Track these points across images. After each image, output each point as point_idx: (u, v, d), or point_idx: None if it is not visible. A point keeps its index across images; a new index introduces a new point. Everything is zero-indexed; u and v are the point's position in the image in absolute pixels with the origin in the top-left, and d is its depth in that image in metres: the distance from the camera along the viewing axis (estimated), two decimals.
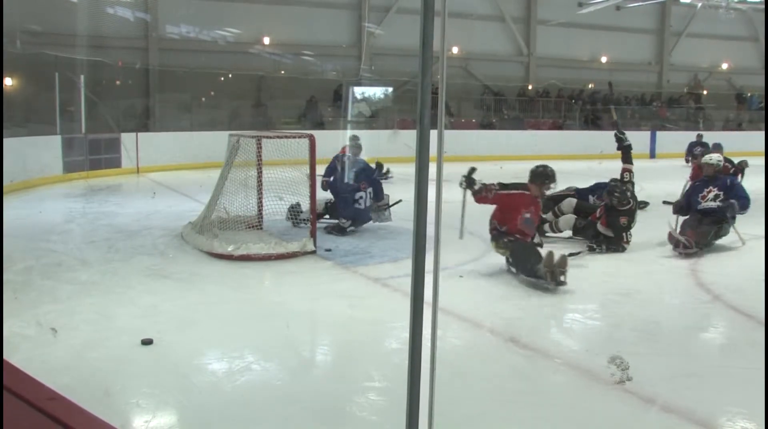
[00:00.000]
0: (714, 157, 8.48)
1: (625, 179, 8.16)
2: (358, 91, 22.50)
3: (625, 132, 9.16)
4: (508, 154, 20.36)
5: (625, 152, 8.55)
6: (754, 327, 5.30)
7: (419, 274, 2.57)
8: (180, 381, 4.07)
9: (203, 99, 20.88)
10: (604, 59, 28.77)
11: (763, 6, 31.94)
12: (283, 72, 22.10)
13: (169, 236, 8.36)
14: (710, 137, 18.07)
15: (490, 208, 7.06)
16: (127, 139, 16.07)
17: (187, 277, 6.49)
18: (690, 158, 16.99)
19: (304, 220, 8.24)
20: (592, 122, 26.21)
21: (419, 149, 2.43)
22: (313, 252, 7.39)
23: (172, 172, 15.84)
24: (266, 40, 21.82)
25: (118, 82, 19.60)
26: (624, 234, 7.78)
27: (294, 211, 8.57)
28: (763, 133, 27.52)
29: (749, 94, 31.63)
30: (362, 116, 21.67)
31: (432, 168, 2.44)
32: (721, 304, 5.90)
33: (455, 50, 25.54)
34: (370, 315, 5.40)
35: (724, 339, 5.27)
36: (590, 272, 6.92)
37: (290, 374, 4.24)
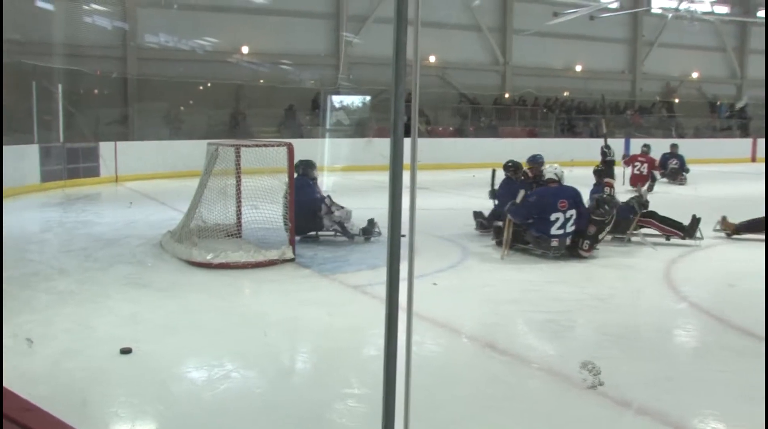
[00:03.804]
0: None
1: (607, 193, 8.30)
2: (336, 100, 22.50)
3: (611, 146, 9.27)
4: (484, 162, 20.45)
5: (608, 167, 8.65)
6: (726, 330, 5.35)
7: (394, 280, 2.57)
8: (159, 390, 4.03)
9: (182, 108, 20.79)
10: (578, 68, 29.06)
11: (730, 19, 32.48)
12: (261, 81, 22.07)
13: (147, 245, 8.30)
14: (683, 145, 18.18)
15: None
16: (105, 148, 15.95)
17: (166, 286, 6.43)
18: (664, 171, 16.86)
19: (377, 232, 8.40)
20: (567, 130, 26.43)
21: (393, 158, 2.43)
22: (292, 260, 7.36)
23: (151, 181, 15.73)
24: (245, 50, 21.78)
25: (96, 92, 19.46)
26: (585, 241, 7.78)
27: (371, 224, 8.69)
28: (731, 140, 28.00)
29: (720, 103, 32.13)
30: (340, 125, 21.68)
31: (407, 176, 2.44)
32: (694, 309, 5.96)
33: (432, 59, 25.65)
34: (348, 322, 5.39)
35: (696, 342, 5.32)
36: (566, 277, 6.97)
37: (270, 382, 4.21)
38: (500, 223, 8.19)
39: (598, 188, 8.94)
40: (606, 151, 8.91)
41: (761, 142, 27.56)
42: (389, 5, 2.83)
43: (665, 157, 17.06)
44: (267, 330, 5.12)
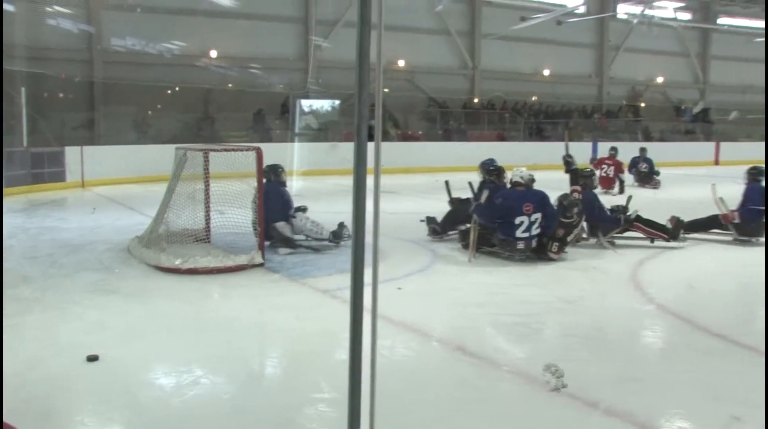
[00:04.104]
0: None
1: (572, 196, 8.40)
2: (306, 104, 22.46)
3: (572, 155, 9.36)
4: (453, 166, 20.55)
5: (573, 175, 8.78)
6: (692, 331, 5.44)
7: (358, 285, 2.58)
8: (126, 397, 3.98)
9: (150, 112, 20.58)
10: (546, 72, 29.37)
11: (692, 25, 33.05)
12: (230, 85, 21.95)
13: (115, 250, 8.20)
14: (650, 148, 18.38)
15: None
16: (71, 152, 15.72)
17: (133, 292, 6.36)
18: (635, 175, 17.06)
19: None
20: (535, 134, 26.66)
21: (356, 163, 2.43)
22: (261, 265, 7.33)
23: (119, 186, 15.55)
24: (213, 54, 21.66)
25: (61, 95, 19.19)
26: (554, 244, 7.84)
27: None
28: (695, 144, 28.46)
29: (684, 107, 32.69)
30: (310, 129, 21.64)
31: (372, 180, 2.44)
32: (660, 310, 6.04)
33: (401, 63, 25.73)
34: (318, 326, 5.37)
35: (663, 343, 5.39)
36: (534, 280, 7.02)
37: (239, 387, 4.19)
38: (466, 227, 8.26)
39: (584, 194, 9.04)
40: (569, 160, 8.99)
41: (724, 145, 28.06)
42: (375, 9, 2.83)
43: (635, 161, 17.25)
44: (231, 337, 5.09)
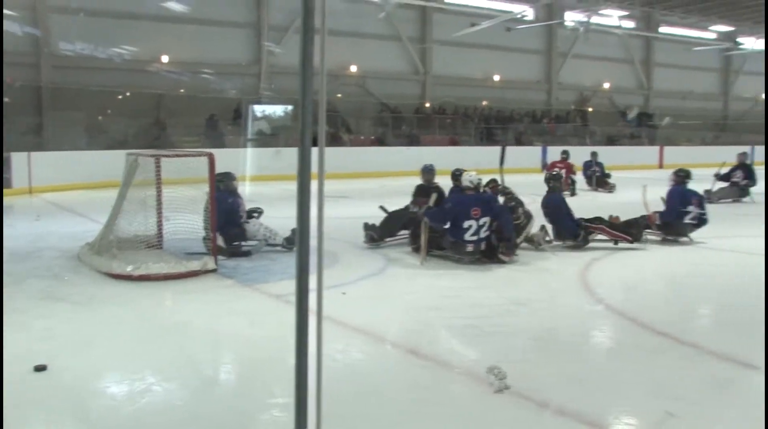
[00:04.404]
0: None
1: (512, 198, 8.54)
2: (259, 110, 22.32)
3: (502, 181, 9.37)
4: (406, 170, 20.62)
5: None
6: (638, 330, 5.55)
7: (303, 290, 2.57)
8: (76, 407, 3.90)
9: (100, 118, 20.20)
10: (496, 78, 29.72)
11: (636, 33, 33.85)
12: (182, 90, 21.69)
13: (64, 258, 8.03)
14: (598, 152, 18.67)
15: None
16: (18, 158, 15.32)
17: (84, 300, 6.24)
18: (588, 179, 17.34)
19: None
20: (486, 138, 26.92)
21: (301, 169, 2.42)
22: (214, 270, 7.25)
23: (68, 192, 15.23)
24: (164, 59, 21.38)
25: (7, 100, 18.69)
26: (505, 246, 7.90)
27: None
28: (640, 148, 29.10)
29: (639, 111, 33.46)
30: (263, 134, 21.50)
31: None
32: (609, 310, 6.16)
33: (353, 69, 25.75)
34: (271, 331, 5.33)
35: (611, 343, 5.48)
36: (485, 283, 7.09)
37: (192, 394, 4.14)
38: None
39: (552, 196, 9.19)
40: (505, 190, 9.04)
41: (668, 149, 28.73)
42: (319, 15, 2.83)
43: (587, 165, 17.57)
44: (189, 341, 5.03)
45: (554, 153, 25.24)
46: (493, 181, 9.13)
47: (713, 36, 36.92)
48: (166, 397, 4.07)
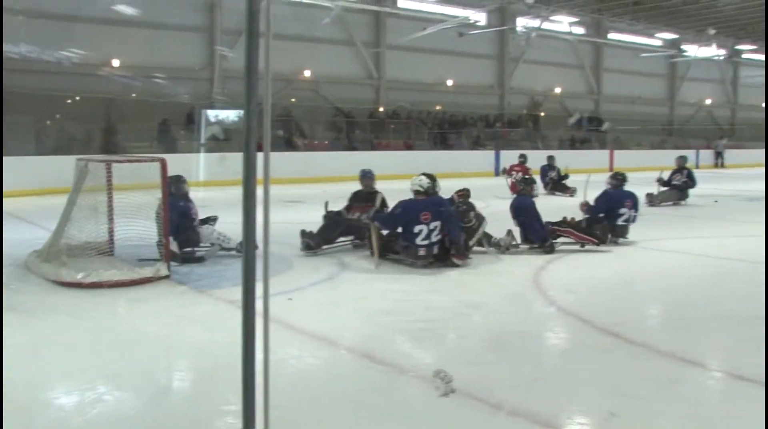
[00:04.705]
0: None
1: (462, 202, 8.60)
2: (212, 114, 22.10)
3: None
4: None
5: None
6: (590, 331, 5.64)
7: (250, 296, 2.57)
8: (23, 419, 3.80)
9: (48, 122, 19.76)
10: (449, 83, 29.94)
11: (586, 39, 34.48)
12: (134, 95, 21.37)
13: (11, 266, 7.81)
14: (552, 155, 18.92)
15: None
16: None
17: (32, 308, 6.08)
18: (545, 183, 17.53)
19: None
20: (440, 143, 27.10)
21: (246, 175, 2.41)
22: (168, 277, 7.15)
23: (16, 198, 14.85)
24: (115, 62, 21.04)
25: None
26: (457, 249, 7.94)
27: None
28: (591, 152, 29.59)
29: (580, 116, 34.03)
30: (216, 139, 21.28)
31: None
32: (561, 312, 6.24)
33: (307, 73, 25.69)
34: (226, 337, 5.27)
35: (565, 344, 5.56)
36: (440, 286, 7.13)
37: (146, 402, 4.07)
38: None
39: (521, 198, 9.30)
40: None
41: (618, 153, 29.30)
42: (263, 20, 2.82)
43: (544, 169, 17.79)
44: (142, 349, 4.96)
45: (507, 157, 25.58)
46: (465, 189, 9.16)
47: (659, 43, 37.83)
48: (118, 407, 4.00)
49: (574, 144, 31.26)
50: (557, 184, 17.33)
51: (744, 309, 6.24)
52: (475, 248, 8.59)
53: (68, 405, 4.01)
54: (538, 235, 8.89)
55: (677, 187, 14.98)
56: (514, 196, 9.82)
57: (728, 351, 5.17)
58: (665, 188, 14.94)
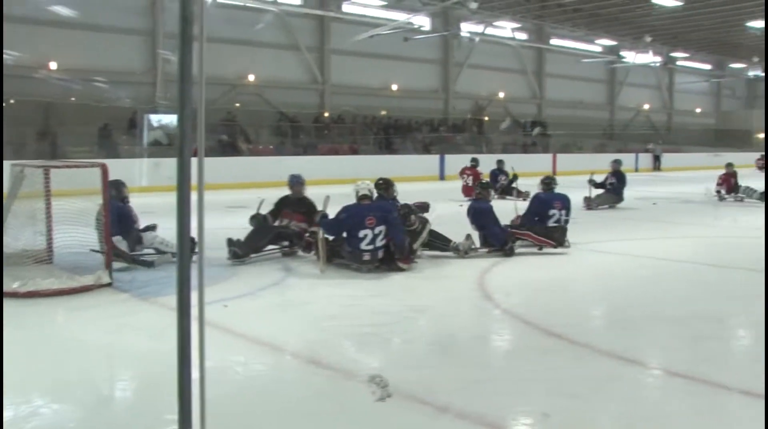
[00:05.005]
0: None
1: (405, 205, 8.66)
2: (155, 119, 21.73)
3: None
4: (306, 180, 20.54)
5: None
6: (534, 333, 5.72)
7: (184, 304, 2.55)
8: None
9: None
10: (394, 87, 30.06)
11: (528, 45, 35.06)
12: (73, 99, 20.87)
13: None
14: (492, 160, 19.12)
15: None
16: None
17: None
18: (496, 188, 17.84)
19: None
20: (385, 147, 27.17)
21: (180, 181, 2.38)
22: (109, 284, 7.00)
23: None
24: (53, 65, 20.52)
25: None
26: (402, 253, 7.96)
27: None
28: (536, 155, 30.05)
29: (511, 121, 34.59)
30: (159, 144, 20.93)
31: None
32: (506, 314, 6.31)
33: (251, 78, 25.49)
34: (170, 345, 5.16)
35: (510, 346, 5.62)
36: (386, 291, 7.14)
37: (86, 414, 3.97)
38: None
39: (479, 202, 9.38)
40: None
41: (561, 156, 29.82)
42: (207, 22, 2.79)
43: (494, 174, 17.94)
44: (83, 359, 4.84)
45: (452, 161, 25.80)
46: (425, 202, 9.17)
47: (599, 49, 38.73)
48: (56, 420, 3.89)
49: (526, 148, 31.74)
50: (508, 187, 17.53)
51: (681, 308, 6.42)
52: (433, 253, 8.69)
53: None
54: (497, 238, 8.99)
55: (612, 190, 15.28)
56: (469, 200, 9.89)
57: (665, 349, 5.31)
58: (601, 191, 15.25)
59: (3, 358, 3.83)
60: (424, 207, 9.08)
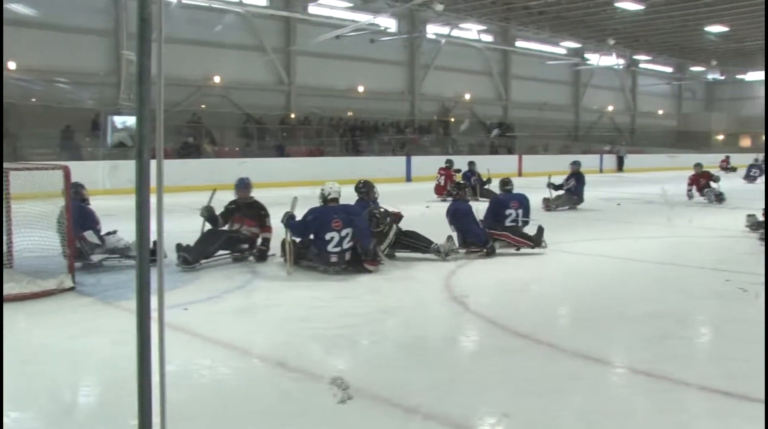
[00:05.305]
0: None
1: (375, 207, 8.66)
2: (119, 121, 21.46)
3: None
4: (271, 182, 20.47)
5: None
6: (500, 333, 5.76)
7: (144, 308, 2.53)
8: None
9: None
10: (361, 89, 30.07)
11: (494, 47, 35.31)
12: (33, 100, 20.52)
13: None
14: (460, 161, 19.22)
15: None
16: None
17: None
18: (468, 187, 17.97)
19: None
20: (352, 149, 27.17)
21: (139, 184, 2.36)
22: (72, 289, 6.90)
23: None
24: (12, 65, 20.16)
25: None
26: (368, 255, 7.97)
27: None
28: (501, 157, 30.27)
29: (489, 123, 34.76)
30: (123, 146, 20.67)
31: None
32: (473, 315, 6.34)
33: (217, 79, 25.31)
34: (134, 350, 5.13)
35: (476, 346, 5.65)
36: (353, 292, 7.15)
37: (48, 422, 3.92)
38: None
39: (457, 202, 9.42)
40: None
41: (526, 157, 30.08)
42: (172, 23, 2.77)
43: (466, 175, 17.99)
44: (45, 366, 4.77)
45: (418, 163, 25.88)
46: (398, 213, 9.17)
47: (564, 51, 39.18)
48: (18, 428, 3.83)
49: (493, 149, 31.95)
50: (481, 189, 17.62)
51: (645, 307, 6.52)
52: (406, 254, 8.74)
53: None
54: (478, 238, 9.05)
55: (572, 192, 15.36)
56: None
57: (628, 348, 5.39)
58: (561, 192, 15.35)
59: (3, 361, 3.76)
60: (398, 216, 9.08)
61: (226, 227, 8.72)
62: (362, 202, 8.93)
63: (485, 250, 8.97)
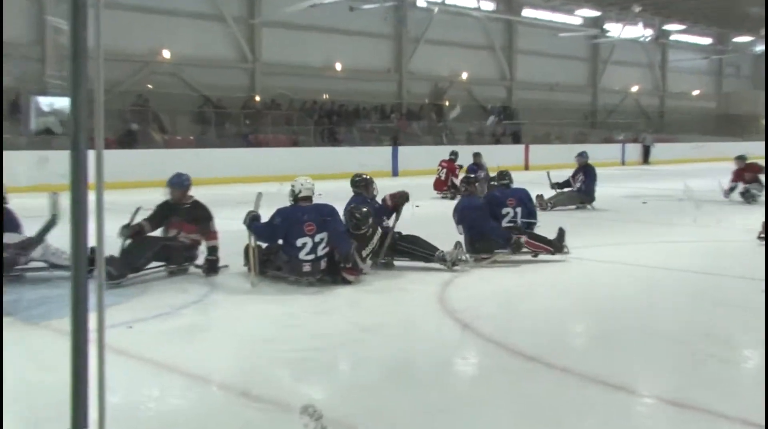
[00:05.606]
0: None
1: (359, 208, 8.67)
2: (44, 102, 21.30)
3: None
4: (234, 176, 20.44)
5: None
6: (503, 354, 5.79)
7: (81, 327, 2.53)
8: None
9: None
10: (338, 66, 29.86)
11: (496, 16, 35.24)
12: None
13: None
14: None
15: None
16: None
17: None
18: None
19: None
20: (328, 138, 27.08)
21: (75, 178, 2.36)
22: None
23: None
24: None
25: None
26: (348, 262, 7.96)
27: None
28: (504, 147, 30.29)
29: (490, 107, 34.58)
30: (50, 133, 20.54)
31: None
32: (471, 333, 6.37)
33: (166, 55, 25.17)
34: (63, 377, 5.12)
35: (474, 370, 5.69)
36: (329, 307, 7.16)
37: None
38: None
39: (468, 198, 9.51)
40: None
41: (534, 148, 30.09)
42: None
43: (471, 169, 17.95)
44: None
45: (406, 154, 25.86)
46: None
47: (579, 21, 39.14)
48: None
49: (497, 138, 31.89)
50: (489, 186, 17.59)
51: (673, 324, 6.58)
52: (404, 263, 8.77)
53: None
54: (499, 234, 9.12)
55: (581, 190, 15.21)
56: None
57: (653, 372, 5.41)
58: (567, 189, 15.34)
59: (3, 362, 3.75)
60: (403, 196, 9.06)
61: (157, 233, 8.45)
62: (359, 197, 8.98)
63: (510, 246, 9.00)
